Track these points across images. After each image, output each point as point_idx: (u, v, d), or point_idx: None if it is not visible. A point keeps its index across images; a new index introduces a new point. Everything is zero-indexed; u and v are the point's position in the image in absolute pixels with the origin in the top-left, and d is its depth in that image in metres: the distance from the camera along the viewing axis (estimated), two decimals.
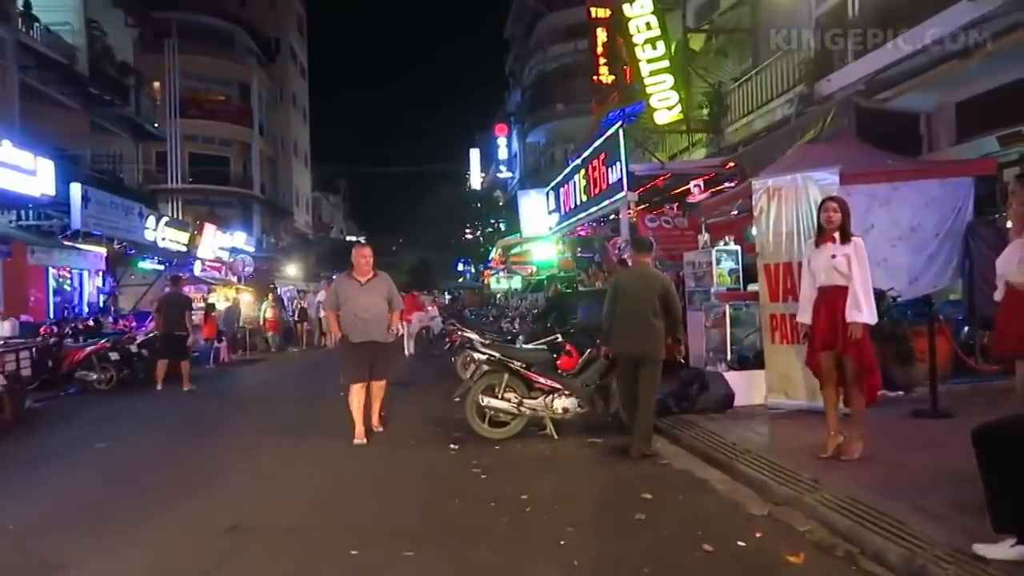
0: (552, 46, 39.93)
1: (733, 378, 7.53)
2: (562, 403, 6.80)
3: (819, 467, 4.95)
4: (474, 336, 11.75)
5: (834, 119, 9.00)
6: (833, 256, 5.17)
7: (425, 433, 7.45)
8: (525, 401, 6.81)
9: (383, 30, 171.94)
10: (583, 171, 14.85)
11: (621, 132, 12.22)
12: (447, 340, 13.17)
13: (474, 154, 57.86)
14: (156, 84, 36.42)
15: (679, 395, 7.31)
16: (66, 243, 19.91)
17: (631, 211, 12.92)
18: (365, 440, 6.85)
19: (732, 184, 12.53)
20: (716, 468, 5.46)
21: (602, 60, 22.82)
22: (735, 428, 6.50)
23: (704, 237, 10.16)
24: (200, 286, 18.96)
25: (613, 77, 22.60)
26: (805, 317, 5.42)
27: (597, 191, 13.85)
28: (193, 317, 12.33)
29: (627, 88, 20.02)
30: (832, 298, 5.17)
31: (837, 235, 5.23)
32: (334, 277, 7.66)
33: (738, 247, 9.48)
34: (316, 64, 60.73)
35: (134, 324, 16.70)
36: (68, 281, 21.06)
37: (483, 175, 57.26)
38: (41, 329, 13.06)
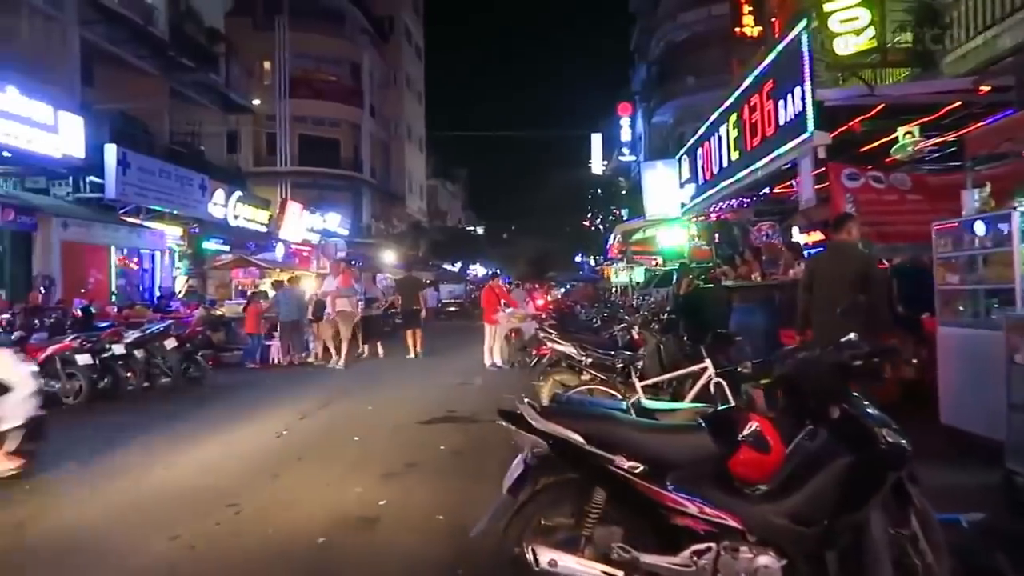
0: (682, 13, 35.66)
1: None
2: (745, 565, 2.65)
3: None
4: (571, 350, 7.74)
5: None
6: None
7: None
8: (647, 558, 2.64)
9: (502, 11, 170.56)
10: (735, 115, 10.46)
11: (805, 37, 7.81)
12: (534, 351, 9.26)
13: (596, 139, 54.04)
14: (267, 64, 35.42)
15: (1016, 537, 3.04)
16: (127, 220, 17.69)
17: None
18: None
19: (952, 135, 8.06)
20: None
21: (746, 8, 19.97)
22: None
23: (979, 194, 5.65)
24: (251, 269, 15.80)
25: (760, 28, 19.13)
26: None
27: (758, 140, 9.44)
28: (423, 296, 15.55)
29: (776, 43, 15.84)
30: None
31: None
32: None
33: None
34: (433, 46, 58.95)
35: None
36: (135, 262, 18.92)
37: (605, 162, 53.26)
38: None
